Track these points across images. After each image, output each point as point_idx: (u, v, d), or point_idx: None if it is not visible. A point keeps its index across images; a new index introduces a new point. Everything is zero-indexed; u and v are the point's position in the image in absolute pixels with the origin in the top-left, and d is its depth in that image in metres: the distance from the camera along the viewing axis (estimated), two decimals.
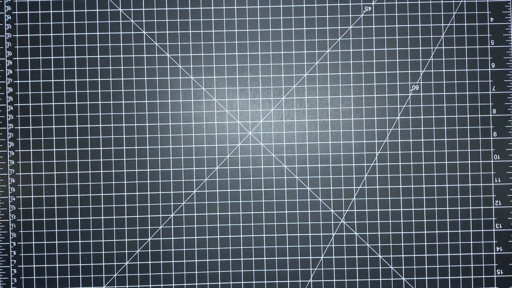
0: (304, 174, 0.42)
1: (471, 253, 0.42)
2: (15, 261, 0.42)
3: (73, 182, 0.42)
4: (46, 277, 0.42)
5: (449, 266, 0.42)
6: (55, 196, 0.42)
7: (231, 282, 0.42)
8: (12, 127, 0.42)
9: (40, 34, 0.42)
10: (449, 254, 0.42)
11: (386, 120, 0.42)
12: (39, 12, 0.42)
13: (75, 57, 0.42)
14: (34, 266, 0.42)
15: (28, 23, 0.42)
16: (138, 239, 0.42)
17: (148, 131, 0.42)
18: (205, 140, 0.42)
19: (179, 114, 0.42)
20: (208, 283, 0.42)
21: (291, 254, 0.42)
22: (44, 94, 0.42)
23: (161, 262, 0.42)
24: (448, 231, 0.42)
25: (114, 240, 0.42)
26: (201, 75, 0.42)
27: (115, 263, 0.42)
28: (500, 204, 0.42)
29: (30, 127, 0.42)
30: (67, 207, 0.42)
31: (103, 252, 0.42)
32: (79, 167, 0.42)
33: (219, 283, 0.42)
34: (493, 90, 0.42)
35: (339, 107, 0.42)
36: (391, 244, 0.42)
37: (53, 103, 0.42)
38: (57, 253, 0.42)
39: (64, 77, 0.42)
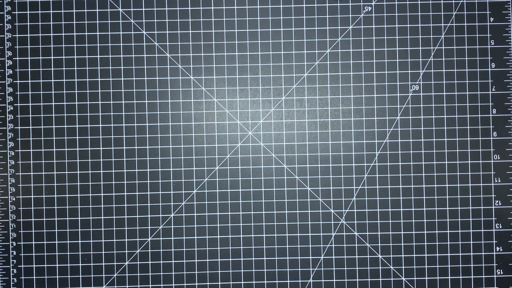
0: (304, 174, 0.42)
1: (471, 253, 0.42)
2: (15, 261, 0.42)
3: (73, 182, 0.42)
4: (46, 277, 0.42)
5: (449, 266, 0.42)
6: (55, 196, 0.42)
7: (231, 282, 0.42)
8: (12, 127, 0.42)
9: (40, 34, 0.42)
10: (449, 254, 0.42)
11: (386, 120, 0.42)
12: (39, 12, 0.42)
13: (75, 57, 0.42)
14: (34, 266, 0.42)
15: (28, 23, 0.42)
16: (138, 239, 0.42)
17: (148, 131, 0.42)
18: (205, 140, 0.42)
19: (179, 114, 0.42)
20: (208, 283, 0.42)
21: (291, 254, 0.42)
22: (44, 94, 0.42)
23: (161, 262, 0.42)
24: (448, 231, 0.42)
25: (114, 240, 0.42)
26: (201, 75, 0.42)
27: (115, 263, 0.42)
28: (500, 204, 0.42)
29: (30, 127, 0.42)
30: (67, 207, 0.42)
31: (103, 252, 0.42)
32: (79, 167, 0.42)
33: (219, 283, 0.42)
34: (493, 90, 0.42)
35: (339, 107, 0.42)
36: (391, 244, 0.42)
37: (53, 103, 0.42)
38: (57, 253, 0.42)
39: (64, 77, 0.42)
